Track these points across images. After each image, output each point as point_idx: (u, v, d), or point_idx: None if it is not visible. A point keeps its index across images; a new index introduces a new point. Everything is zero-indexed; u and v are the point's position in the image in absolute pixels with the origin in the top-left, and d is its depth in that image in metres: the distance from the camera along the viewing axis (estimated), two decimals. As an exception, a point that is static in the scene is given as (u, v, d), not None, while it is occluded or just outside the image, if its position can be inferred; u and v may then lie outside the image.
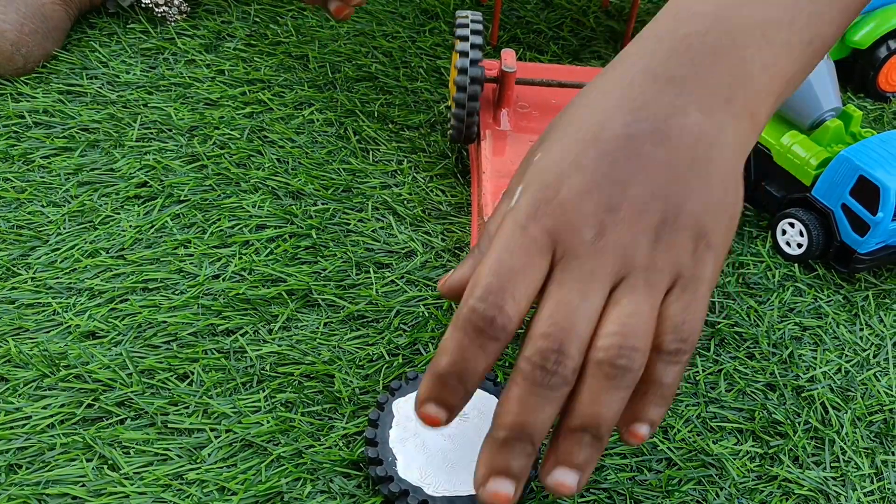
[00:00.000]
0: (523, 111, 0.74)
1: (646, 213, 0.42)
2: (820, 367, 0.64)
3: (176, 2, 0.88)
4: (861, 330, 0.67)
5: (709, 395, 0.61)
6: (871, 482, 0.58)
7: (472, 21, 0.70)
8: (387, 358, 0.61)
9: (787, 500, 0.56)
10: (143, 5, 0.88)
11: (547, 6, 0.98)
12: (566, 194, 0.42)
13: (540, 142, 0.46)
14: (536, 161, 0.45)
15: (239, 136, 0.77)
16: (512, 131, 0.72)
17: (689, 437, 0.59)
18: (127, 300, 0.63)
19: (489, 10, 0.96)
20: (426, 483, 0.52)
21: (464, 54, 0.68)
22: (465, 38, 0.69)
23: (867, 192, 0.67)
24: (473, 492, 0.48)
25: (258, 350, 0.61)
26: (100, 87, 0.81)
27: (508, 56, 0.72)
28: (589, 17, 0.98)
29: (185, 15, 0.89)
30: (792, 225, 0.71)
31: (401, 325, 0.63)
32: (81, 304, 0.62)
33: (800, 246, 0.71)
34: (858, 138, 0.73)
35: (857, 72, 0.90)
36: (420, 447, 0.54)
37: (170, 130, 0.77)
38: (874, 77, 0.89)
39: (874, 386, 0.63)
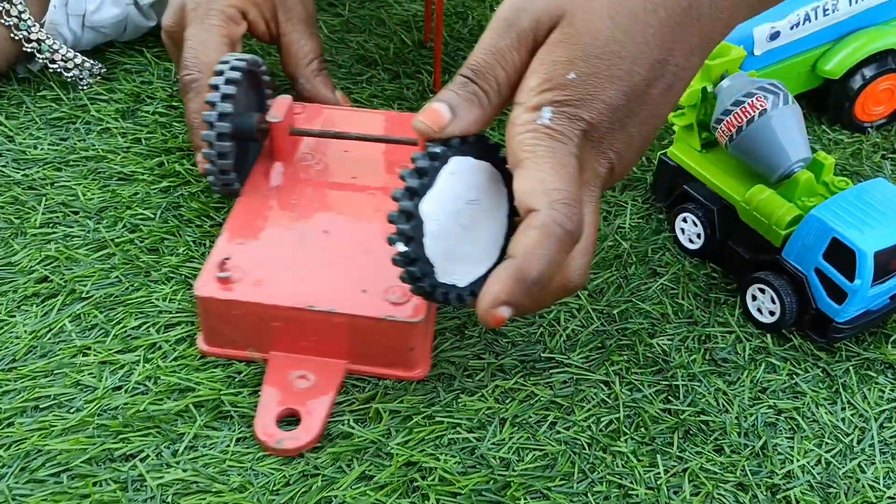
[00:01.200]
0: (306, 164, 0.68)
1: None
2: (797, 460, 0.57)
3: (87, 64, 0.81)
4: (843, 410, 0.60)
5: (671, 501, 0.54)
6: None
7: (231, 69, 0.64)
8: (306, 479, 0.54)
9: None
10: (51, 70, 0.80)
11: (496, 44, 0.91)
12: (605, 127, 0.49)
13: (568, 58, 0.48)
14: (573, 90, 0.48)
15: (152, 217, 0.70)
16: (280, 187, 0.66)
17: (648, 562, 0.52)
18: (13, 424, 0.56)
19: (433, 51, 0.89)
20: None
21: (210, 105, 0.62)
22: (215, 88, 0.63)
23: (842, 255, 0.60)
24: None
25: (160, 478, 0.54)
26: (3, 166, 0.74)
27: (280, 105, 0.66)
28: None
29: (98, 77, 0.82)
30: (762, 290, 0.64)
31: (325, 438, 0.56)
32: (-37, 430, 0.55)
33: (772, 314, 0.64)
34: (832, 188, 0.66)
35: (831, 103, 0.82)
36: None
37: (76, 213, 0.70)
38: (850, 108, 0.81)
39: (859, 479, 0.56)
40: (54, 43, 0.79)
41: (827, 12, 0.78)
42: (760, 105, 0.63)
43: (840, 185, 0.66)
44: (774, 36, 0.78)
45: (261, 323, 0.58)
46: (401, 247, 0.49)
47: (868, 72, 0.80)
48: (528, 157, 0.48)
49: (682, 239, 0.70)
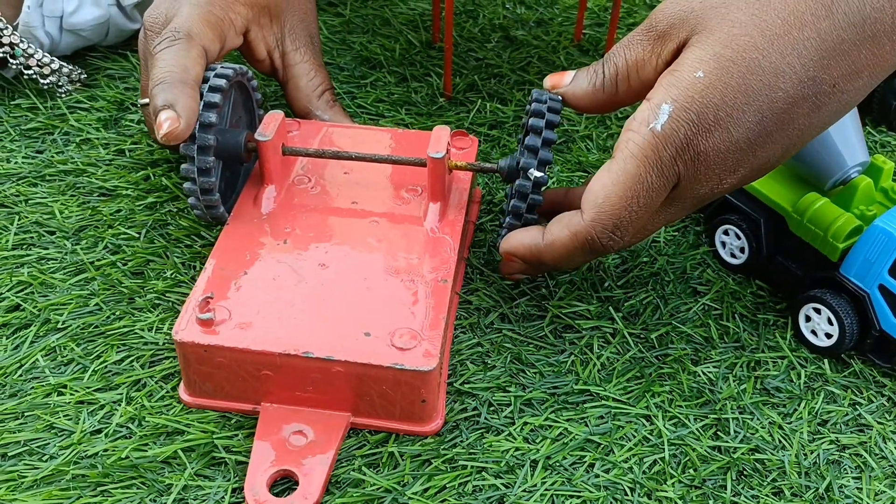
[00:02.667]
0: (301, 186, 0.60)
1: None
2: (868, 502, 0.50)
3: (65, 70, 0.74)
4: (915, 445, 0.53)
5: (730, 554, 0.47)
6: None
7: (217, 76, 0.56)
8: (312, 537, 0.47)
9: None
10: (26, 77, 0.74)
11: (510, 44, 0.84)
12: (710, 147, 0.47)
13: (697, 57, 0.47)
14: (699, 89, 0.46)
15: (137, 236, 0.63)
16: (271, 214, 0.58)
17: None
18: (-23, 476, 0.49)
19: (442, 52, 0.82)
20: None
21: None
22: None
23: (911, 271, 0.53)
24: None
25: (144, 537, 0.46)
26: (-27, 182, 0.67)
27: (270, 121, 0.58)
28: (559, 54, 0.84)
29: (78, 84, 0.76)
30: (818, 311, 0.57)
31: (330, 490, 0.49)
32: (-80, 483, 0.48)
33: (829, 336, 0.57)
34: (892, 195, 0.59)
35: (875, 102, 0.76)
36: None
37: (52, 234, 0.63)
38: (897, 108, 0.75)
39: (940, 526, 0.49)
40: (28, 47, 0.73)
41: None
42: (816, 103, 0.56)
43: (901, 191, 0.59)
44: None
45: (249, 371, 0.51)
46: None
47: (918, 68, 0.73)
48: (616, 157, 0.49)
49: (724, 253, 0.64)
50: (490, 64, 0.82)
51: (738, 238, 0.62)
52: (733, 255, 0.63)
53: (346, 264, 0.55)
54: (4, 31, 0.72)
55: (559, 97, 0.55)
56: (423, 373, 0.49)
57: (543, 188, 0.55)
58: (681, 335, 0.59)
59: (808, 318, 0.59)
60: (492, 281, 0.61)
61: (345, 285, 0.53)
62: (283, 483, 0.49)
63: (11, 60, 0.73)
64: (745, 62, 0.45)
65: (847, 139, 0.58)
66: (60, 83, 0.75)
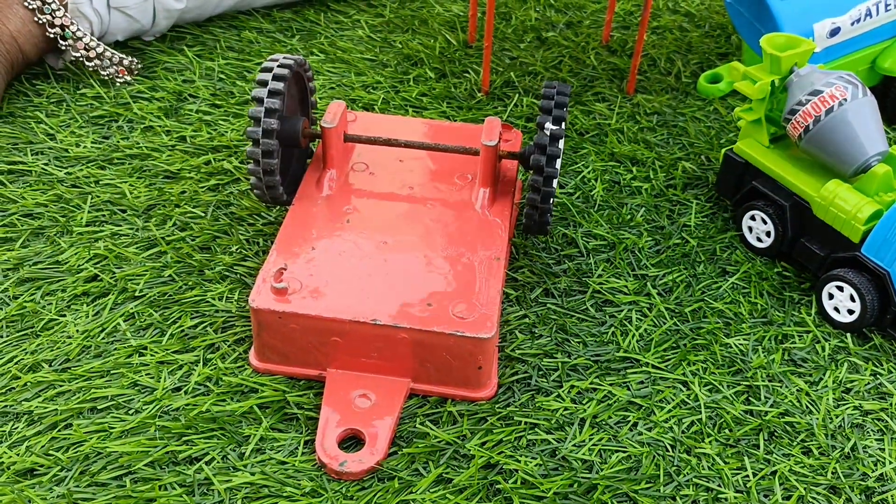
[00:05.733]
0: (359, 172, 0.64)
1: None
2: (890, 462, 0.55)
3: (108, 53, 0.78)
4: (932, 411, 0.58)
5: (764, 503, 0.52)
6: None
7: (280, 66, 0.61)
8: (381, 483, 0.51)
9: None
10: (72, 60, 0.78)
11: (542, 44, 0.89)
12: None
13: None
14: None
15: (203, 215, 0.68)
16: (333, 196, 0.62)
17: (748, 569, 0.49)
18: (71, 425, 0.53)
19: (479, 50, 0.87)
20: None
21: (258, 101, 0.59)
22: (263, 84, 0.60)
23: (929, 250, 0.58)
24: None
25: (227, 481, 0.51)
26: (45, 164, 0.71)
27: (334, 110, 0.63)
28: (589, 53, 0.88)
29: (134, 72, 0.80)
30: (840, 289, 0.62)
31: (395, 442, 0.53)
32: (18, 432, 0.53)
33: (851, 312, 0.62)
34: (909, 184, 0.64)
35: (890, 100, 0.80)
36: None
37: (124, 211, 0.68)
38: (911, 106, 0.79)
39: (956, 482, 0.54)
40: (78, 30, 0.77)
41: (889, 7, 0.76)
42: (840, 94, 0.61)
43: (918, 179, 0.63)
44: (834, 32, 0.76)
45: (319, 337, 0.55)
46: None
47: (930, 68, 0.78)
48: None
49: (750, 238, 0.68)
50: (524, 62, 0.87)
51: (765, 223, 0.67)
52: (759, 239, 0.68)
53: (405, 243, 0.59)
54: (57, 13, 0.77)
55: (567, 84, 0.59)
56: (481, 340, 0.53)
57: (560, 140, 0.58)
58: (713, 310, 0.63)
59: (831, 296, 0.63)
60: (535, 259, 0.65)
61: (406, 261, 0.58)
62: (350, 441, 0.53)
63: (61, 42, 0.77)
64: None
65: (868, 131, 0.63)
66: (105, 66, 0.79)
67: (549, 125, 0.57)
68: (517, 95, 0.82)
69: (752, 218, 0.68)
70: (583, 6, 0.97)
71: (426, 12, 0.93)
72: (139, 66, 0.81)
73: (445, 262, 0.57)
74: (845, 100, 0.61)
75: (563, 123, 0.58)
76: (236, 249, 0.65)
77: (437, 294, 0.55)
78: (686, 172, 0.75)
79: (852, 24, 0.76)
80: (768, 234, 0.67)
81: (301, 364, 0.56)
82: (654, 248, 0.67)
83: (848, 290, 0.62)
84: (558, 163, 0.58)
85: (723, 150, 0.71)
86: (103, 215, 0.68)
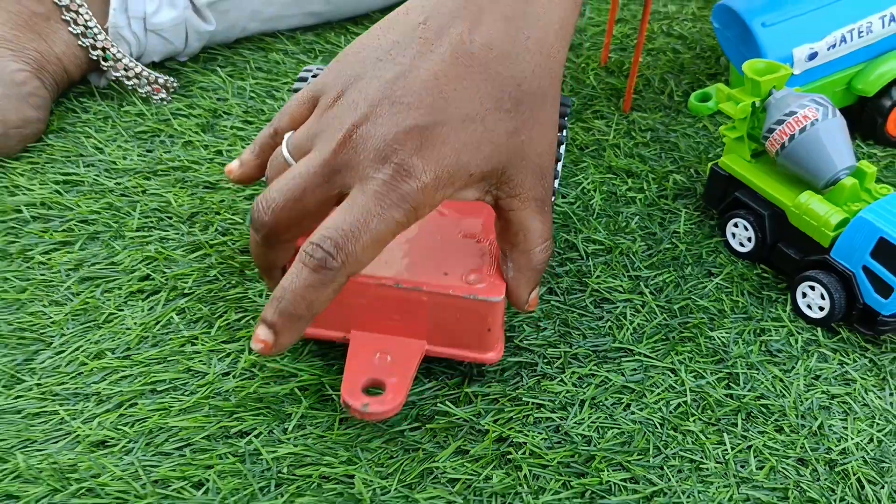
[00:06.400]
0: None
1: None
2: (852, 438, 0.62)
3: (144, 72, 0.86)
4: (891, 395, 0.66)
5: (739, 474, 0.59)
6: (917, 564, 0.56)
7: (314, 76, 0.68)
8: (407, 454, 0.59)
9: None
10: (113, 78, 0.86)
11: (545, 65, 0.97)
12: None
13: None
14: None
15: (241, 221, 0.75)
16: None
17: (725, 526, 0.57)
18: (136, 404, 0.61)
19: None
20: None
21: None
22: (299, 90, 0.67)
23: (888, 253, 0.66)
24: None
25: (274, 451, 0.59)
26: (97, 176, 0.79)
27: None
28: (589, 74, 0.96)
29: (171, 92, 0.88)
30: (812, 288, 0.70)
31: (418, 419, 0.61)
32: (89, 410, 0.61)
33: (821, 309, 0.69)
34: (874, 195, 0.71)
35: (864, 119, 0.88)
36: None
37: (170, 218, 0.76)
38: (882, 124, 0.87)
39: (909, 456, 0.61)
40: (118, 52, 0.85)
41: (862, 34, 0.84)
42: (813, 115, 0.69)
43: (882, 191, 0.71)
44: (812, 56, 0.83)
45: (346, 299, 0.61)
46: None
47: (899, 90, 0.86)
48: None
49: (733, 243, 0.76)
50: (529, 82, 0.95)
51: (746, 229, 0.74)
52: (741, 245, 0.75)
53: (421, 226, 0.66)
54: (98, 36, 0.85)
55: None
56: (492, 303, 0.60)
57: (561, 146, 0.65)
58: (699, 307, 0.71)
59: (804, 295, 0.71)
60: (541, 261, 0.73)
61: (422, 240, 0.64)
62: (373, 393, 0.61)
63: (103, 63, 0.86)
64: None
65: (837, 147, 0.70)
66: (142, 86, 0.87)
67: None
68: (523, 113, 0.90)
69: (735, 225, 0.75)
70: (583, 30, 1.05)
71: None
72: (175, 84, 0.89)
73: (458, 242, 0.64)
74: (817, 120, 0.69)
75: (565, 131, 0.66)
76: (273, 252, 0.73)
77: (452, 266, 0.62)
78: (676, 184, 0.83)
79: (828, 49, 0.84)
80: (749, 239, 0.75)
81: (328, 327, 0.63)
82: (646, 252, 0.75)
83: (819, 289, 0.69)
84: (559, 165, 0.66)
85: (709, 165, 0.78)
86: (151, 221, 0.75)
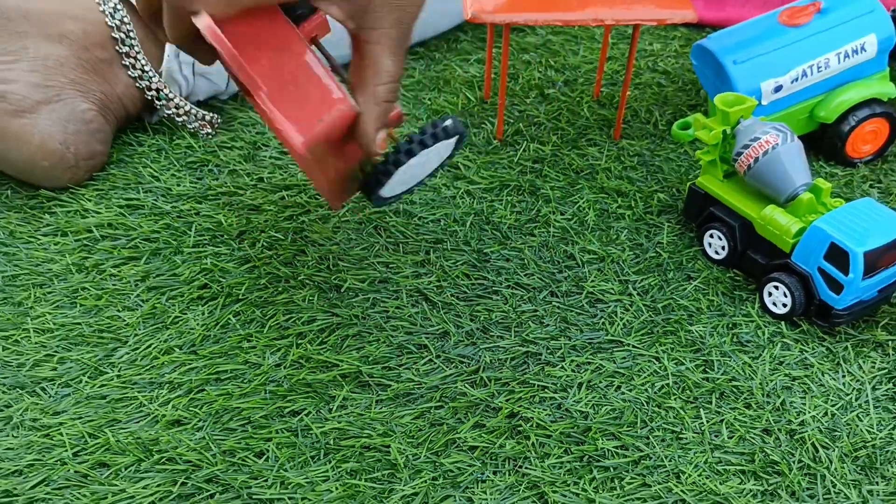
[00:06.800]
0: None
1: None
2: (809, 412, 0.74)
3: (193, 110, 0.98)
4: (843, 377, 0.77)
5: (713, 442, 0.71)
6: (858, 509, 0.67)
7: None
8: (434, 427, 0.71)
9: (786, 529, 0.66)
10: (165, 116, 0.98)
11: (544, 99, 1.09)
12: None
13: None
14: None
15: (283, 238, 0.87)
16: None
17: (700, 480, 0.68)
18: (203, 390, 0.73)
19: (493, 105, 1.07)
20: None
21: None
22: None
23: (838, 256, 0.77)
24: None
25: (322, 427, 0.70)
26: (155, 200, 0.91)
27: None
28: (583, 107, 1.09)
29: (215, 127, 1.00)
30: (777, 288, 0.81)
31: (442, 399, 0.73)
32: (164, 395, 0.72)
33: (784, 306, 0.81)
34: (829, 207, 0.83)
35: (826, 143, 1.00)
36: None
37: (221, 236, 0.87)
38: (842, 147, 0.99)
39: (857, 425, 0.73)
40: (170, 92, 0.97)
41: (820, 69, 0.96)
42: (773, 140, 0.81)
43: (835, 204, 0.83)
44: (778, 89, 0.96)
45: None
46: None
47: (856, 117, 0.98)
48: None
49: (710, 251, 0.88)
50: (530, 115, 1.07)
51: (720, 239, 0.86)
52: (716, 252, 0.87)
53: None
54: (153, 79, 0.97)
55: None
56: (334, 99, 0.65)
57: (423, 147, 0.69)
58: (679, 306, 0.83)
59: (769, 294, 0.82)
60: (543, 269, 0.85)
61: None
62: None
63: (157, 102, 0.98)
64: None
65: (796, 167, 0.82)
66: (191, 122, 0.99)
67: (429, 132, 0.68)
68: (525, 142, 1.02)
69: (711, 236, 0.87)
70: (578, 66, 1.17)
71: (449, 73, 1.13)
72: (219, 120, 1.01)
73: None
74: (778, 144, 0.81)
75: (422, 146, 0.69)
76: (312, 264, 0.85)
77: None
78: (661, 202, 0.95)
79: (792, 82, 0.96)
80: (723, 248, 0.86)
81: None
82: (634, 260, 0.87)
83: (782, 288, 0.81)
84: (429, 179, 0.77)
85: (688, 184, 0.90)
86: (205, 239, 0.87)
